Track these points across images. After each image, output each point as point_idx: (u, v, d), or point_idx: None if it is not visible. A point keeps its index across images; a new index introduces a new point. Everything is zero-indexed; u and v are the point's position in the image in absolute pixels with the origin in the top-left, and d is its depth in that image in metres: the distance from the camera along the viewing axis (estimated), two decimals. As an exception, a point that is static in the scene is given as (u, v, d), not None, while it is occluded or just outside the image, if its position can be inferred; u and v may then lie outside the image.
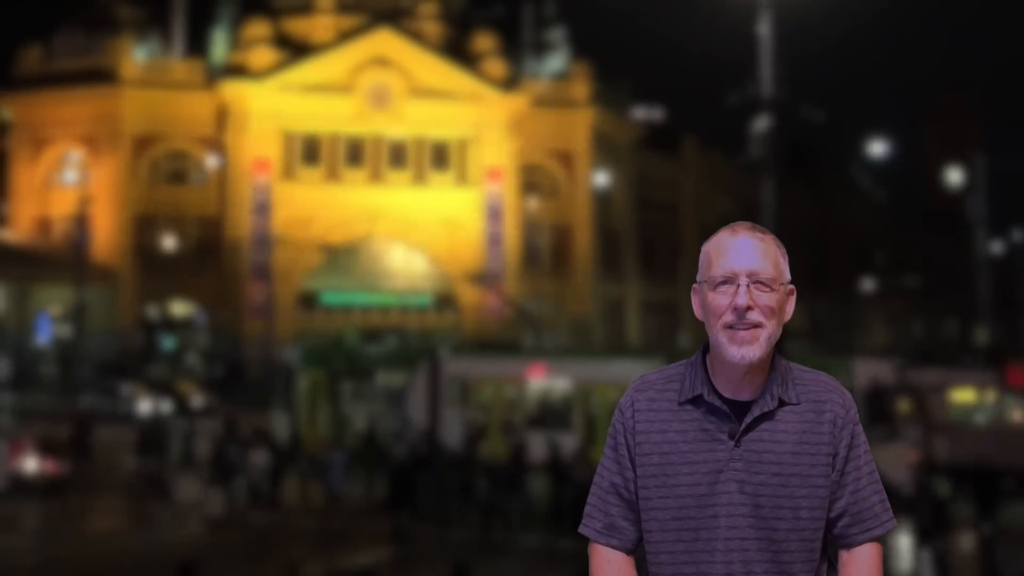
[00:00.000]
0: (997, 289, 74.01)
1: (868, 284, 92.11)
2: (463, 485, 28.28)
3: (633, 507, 3.23)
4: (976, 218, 70.69)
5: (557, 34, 77.54)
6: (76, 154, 65.94)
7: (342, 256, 67.17)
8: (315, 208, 66.24)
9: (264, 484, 29.26)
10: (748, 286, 3.12)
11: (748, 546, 3.11)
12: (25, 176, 67.09)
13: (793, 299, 3.24)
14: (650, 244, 78.68)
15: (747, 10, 27.37)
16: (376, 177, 68.19)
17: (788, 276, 3.22)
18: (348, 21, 69.40)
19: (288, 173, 66.73)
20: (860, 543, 3.19)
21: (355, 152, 68.13)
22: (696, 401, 3.19)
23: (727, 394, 3.18)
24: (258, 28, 68.13)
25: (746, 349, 3.11)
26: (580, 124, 72.22)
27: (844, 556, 3.21)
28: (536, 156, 71.44)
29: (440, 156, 69.45)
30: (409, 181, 68.57)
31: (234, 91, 66.13)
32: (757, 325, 3.11)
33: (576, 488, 25.89)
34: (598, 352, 45.50)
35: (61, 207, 63.99)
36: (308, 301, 66.37)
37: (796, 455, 3.14)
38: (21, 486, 30.49)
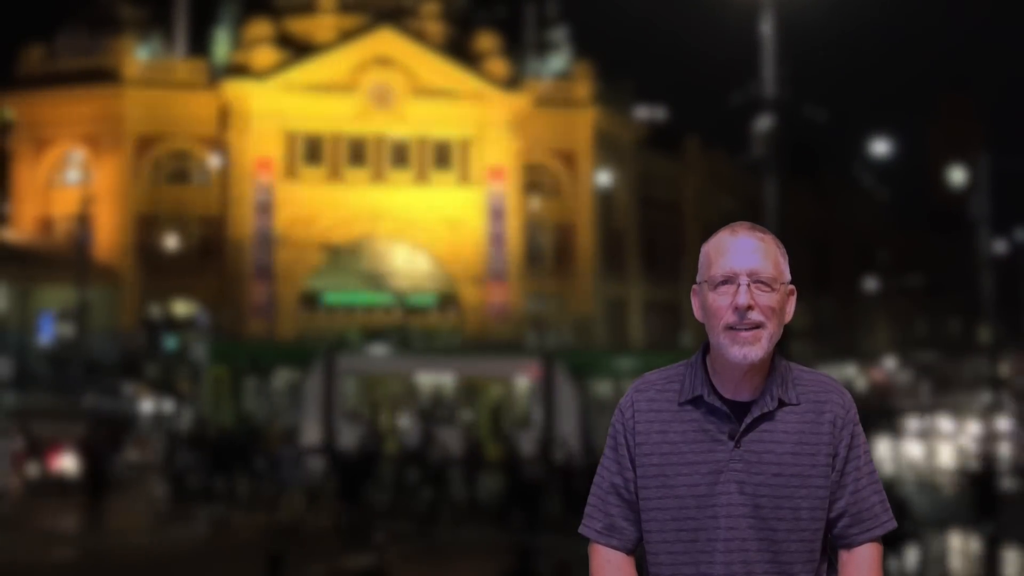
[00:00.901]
0: (1000, 288, 73.84)
1: (871, 284, 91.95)
2: (420, 479, 28.44)
3: (633, 507, 3.22)
4: (979, 217, 70.55)
5: (559, 34, 77.47)
6: (78, 154, 65.91)
7: (344, 256, 67.12)
8: (317, 208, 66.20)
9: (323, 490, 28.95)
10: (748, 285, 3.11)
11: (748, 547, 3.10)
12: (27, 176, 67.06)
13: (793, 299, 3.24)
14: (653, 243, 78.60)
15: (750, 9, 27.33)
16: (378, 177, 68.13)
17: (788, 276, 3.21)
18: (350, 21, 69.35)
19: (290, 173, 66.69)
20: (860, 543, 3.18)
21: (357, 152, 68.07)
22: (696, 402, 3.19)
23: (727, 394, 3.17)
24: (260, 28, 68.11)
25: (748, 350, 3.10)
26: (582, 124, 72.13)
27: (844, 556, 3.20)
28: (538, 155, 71.36)
29: (442, 155, 69.38)
30: (411, 181, 68.51)
31: (236, 91, 66.12)
32: (758, 325, 3.10)
33: (529, 484, 25.91)
34: (479, 349, 46.71)
35: (63, 207, 63.99)
36: (310, 301, 66.31)
37: (796, 455, 3.13)
38: (62, 485, 30.89)
